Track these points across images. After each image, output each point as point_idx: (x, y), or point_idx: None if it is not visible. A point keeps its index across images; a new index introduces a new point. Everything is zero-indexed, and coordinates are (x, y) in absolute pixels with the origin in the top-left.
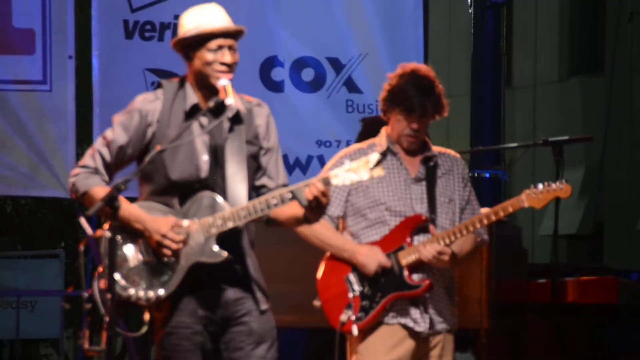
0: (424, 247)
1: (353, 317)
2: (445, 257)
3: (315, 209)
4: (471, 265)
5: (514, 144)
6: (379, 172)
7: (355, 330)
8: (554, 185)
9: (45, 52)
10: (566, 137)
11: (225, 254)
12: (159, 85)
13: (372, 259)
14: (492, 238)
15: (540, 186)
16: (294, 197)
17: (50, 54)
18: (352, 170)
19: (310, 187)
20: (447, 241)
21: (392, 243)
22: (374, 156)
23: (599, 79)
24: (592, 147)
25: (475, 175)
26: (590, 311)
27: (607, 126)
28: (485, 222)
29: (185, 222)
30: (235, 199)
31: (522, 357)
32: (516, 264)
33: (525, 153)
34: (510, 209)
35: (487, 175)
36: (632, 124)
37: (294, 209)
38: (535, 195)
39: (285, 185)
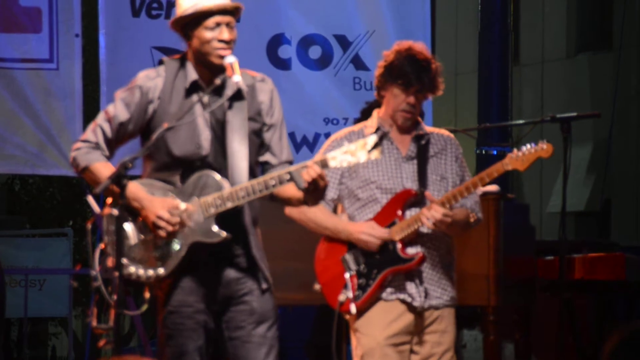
0: (427, 211)
1: (351, 296)
2: (448, 220)
3: (313, 191)
4: (478, 242)
5: (522, 121)
6: (376, 154)
7: (353, 308)
8: (536, 146)
9: (52, 31)
10: (574, 114)
11: (224, 234)
12: (161, 62)
13: (372, 235)
14: (500, 215)
15: (524, 148)
16: (292, 179)
17: (57, 32)
18: (349, 152)
19: (307, 170)
20: (447, 205)
21: (384, 219)
22: (372, 138)
23: (607, 55)
24: (599, 124)
25: (483, 152)
26: (598, 287)
27: (615, 103)
28: (473, 188)
29: (183, 205)
30: (237, 177)
31: (531, 333)
32: (524, 241)
33: (533, 130)
34: (495, 174)
35: (495, 152)
36: None
37: (294, 190)
38: (517, 158)
39: (289, 162)
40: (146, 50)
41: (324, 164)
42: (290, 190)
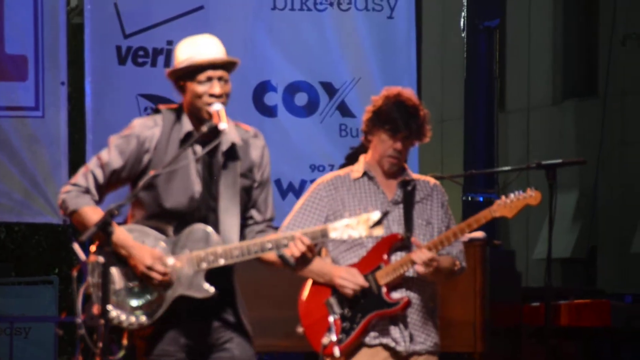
0: (415, 254)
1: (335, 339)
2: (434, 264)
3: (301, 262)
4: (465, 288)
5: (508, 168)
6: (378, 231)
7: (337, 352)
8: (524, 194)
9: (38, 79)
10: (560, 161)
11: (213, 290)
12: (157, 111)
13: (350, 280)
14: (486, 261)
15: (512, 195)
16: (283, 253)
17: (42, 80)
18: (350, 226)
19: (296, 242)
20: (433, 251)
21: (370, 264)
22: (376, 214)
23: (593, 102)
24: (585, 171)
25: (469, 198)
26: (584, 334)
27: (601, 150)
28: (460, 235)
29: (171, 260)
30: (227, 234)
31: None
32: (510, 287)
33: (519, 176)
34: (483, 220)
35: (481, 198)
36: (625, 147)
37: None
38: (505, 205)
39: (272, 219)
40: (132, 98)
41: (324, 234)
42: (275, 255)
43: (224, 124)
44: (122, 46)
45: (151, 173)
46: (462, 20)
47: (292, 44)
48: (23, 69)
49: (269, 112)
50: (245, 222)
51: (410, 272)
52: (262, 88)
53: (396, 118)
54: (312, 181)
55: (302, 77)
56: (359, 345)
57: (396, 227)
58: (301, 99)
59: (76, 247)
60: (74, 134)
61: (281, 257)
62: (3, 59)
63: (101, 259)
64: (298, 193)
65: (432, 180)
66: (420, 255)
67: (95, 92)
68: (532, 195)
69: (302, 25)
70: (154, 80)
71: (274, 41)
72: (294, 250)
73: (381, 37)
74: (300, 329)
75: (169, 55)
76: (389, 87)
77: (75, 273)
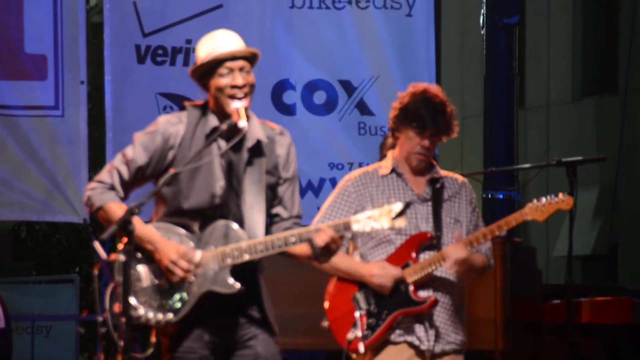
0: (452, 249)
1: (360, 335)
2: (468, 263)
3: (325, 253)
4: (486, 286)
5: (528, 165)
6: (400, 222)
7: (361, 347)
8: (556, 198)
9: (58, 78)
10: (580, 158)
11: (238, 285)
12: (183, 108)
13: (383, 276)
14: (507, 259)
15: (544, 199)
16: (310, 240)
17: (62, 79)
18: (373, 218)
19: (320, 234)
20: (469, 248)
21: (397, 261)
22: (397, 205)
23: (613, 98)
24: (606, 168)
25: (489, 196)
26: (605, 331)
27: (621, 146)
28: (490, 236)
29: (198, 254)
30: (253, 230)
31: None
32: (531, 285)
33: (539, 174)
34: (514, 223)
35: (501, 196)
36: None
37: (304, 248)
38: (537, 209)
39: (299, 217)
40: (151, 97)
41: (346, 227)
42: (302, 248)
43: (243, 122)
44: (142, 45)
45: (171, 171)
46: (482, 17)
47: (310, 43)
48: (43, 68)
49: (287, 110)
50: (271, 219)
51: (438, 272)
52: (281, 86)
53: (423, 115)
54: (330, 179)
55: (320, 75)
56: (384, 342)
57: (424, 225)
58: (320, 97)
59: (97, 245)
60: (94, 132)
61: (311, 244)
62: (23, 58)
63: (122, 257)
64: (317, 191)
65: (460, 177)
66: (453, 252)
67: (115, 91)
68: (564, 200)
69: (320, 23)
70: (173, 79)
71: (293, 39)
72: (318, 240)
73: (400, 34)
74: (325, 324)
75: (187, 54)
76: (416, 83)
77: (96, 271)
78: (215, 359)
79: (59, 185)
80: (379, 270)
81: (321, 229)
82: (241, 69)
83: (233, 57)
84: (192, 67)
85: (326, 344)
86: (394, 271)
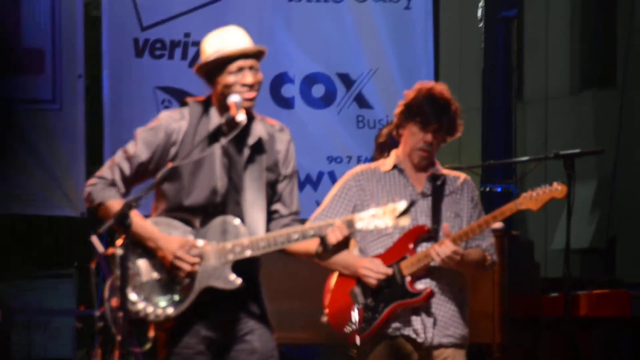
0: (438, 246)
1: (357, 329)
2: (457, 257)
3: (336, 250)
4: (483, 279)
5: (526, 158)
6: (405, 221)
7: (358, 340)
8: (550, 187)
9: (55, 72)
10: (578, 151)
11: (239, 281)
12: (184, 104)
13: (372, 270)
14: (505, 252)
15: (538, 189)
16: (317, 235)
17: (60, 73)
18: (377, 216)
19: (334, 231)
20: (459, 242)
21: (395, 254)
22: (402, 204)
23: (611, 92)
24: (604, 161)
25: (487, 189)
26: (603, 324)
27: (619, 139)
28: (485, 226)
29: (200, 242)
30: (253, 227)
31: None
32: (528, 278)
33: (537, 167)
34: (508, 213)
35: (499, 189)
36: None
37: (307, 244)
38: (531, 198)
39: (297, 213)
40: (149, 91)
41: (350, 224)
42: (303, 245)
43: (241, 116)
44: (140, 39)
45: (168, 165)
46: (480, 10)
47: (309, 36)
48: (40, 62)
49: (286, 103)
50: (271, 216)
51: (435, 263)
52: (279, 80)
53: (427, 110)
54: (329, 173)
55: (319, 68)
56: (381, 335)
57: (424, 218)
58: (318, 90)
59: (94, 240)
60: (92, 126)
61: (322, 240)
62: (20, 52)
63: (119, 251)
64: (315, 185)
65: (463, 176)
66: (439, 250)
67: (113, 85)
68: (558, 189)
69: (319, 16)
70: (171, 73)
71: (291, 33)
72: (331, 237)
73: (398, 28)
74: (324, 318)
75: (186, 47)
76: (422, 81)
77: (93, 266)
78: (211, 353)
79: (56, 179)
80: (369, 264)
81: (335, 225)
82: (251, 68)
83: (245, 56)
84: (199, 62)
85: (323, 338)
86: (382, 268)
